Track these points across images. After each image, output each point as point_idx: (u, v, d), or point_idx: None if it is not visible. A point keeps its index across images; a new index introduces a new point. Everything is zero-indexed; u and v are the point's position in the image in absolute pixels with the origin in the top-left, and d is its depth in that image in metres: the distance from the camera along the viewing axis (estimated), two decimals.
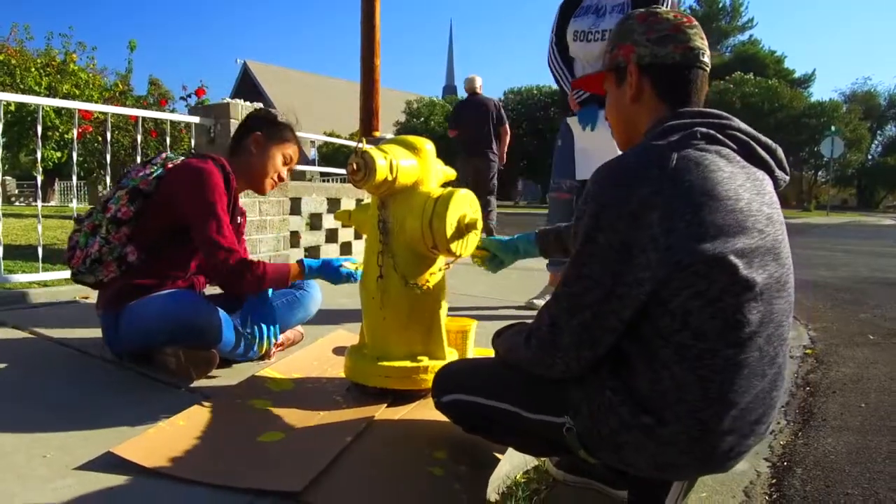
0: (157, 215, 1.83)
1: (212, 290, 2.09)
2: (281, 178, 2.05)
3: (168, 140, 4.05)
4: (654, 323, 0.99)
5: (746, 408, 1.00)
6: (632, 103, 1.16)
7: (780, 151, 1.12)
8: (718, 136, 1.05)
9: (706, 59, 1.14)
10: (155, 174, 1.85)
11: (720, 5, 41.37)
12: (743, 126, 1.09)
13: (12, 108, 10.26)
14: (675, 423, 0.99)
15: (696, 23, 1.15)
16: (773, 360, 1.03)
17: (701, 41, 1.13)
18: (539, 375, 1.14)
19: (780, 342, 1.04)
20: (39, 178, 3.40)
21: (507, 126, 6.48)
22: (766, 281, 1.00)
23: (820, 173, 32.55)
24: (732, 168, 1.03)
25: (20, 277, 2.98)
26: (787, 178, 1.14)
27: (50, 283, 2.98)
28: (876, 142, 39.55)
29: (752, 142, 1.09)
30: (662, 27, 1.12)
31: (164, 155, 1.95)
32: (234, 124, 3.57)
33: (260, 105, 3.67)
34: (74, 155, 3.50)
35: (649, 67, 1.13)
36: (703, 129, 1.04)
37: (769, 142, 1.11)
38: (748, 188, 1.03)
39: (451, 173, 1.79)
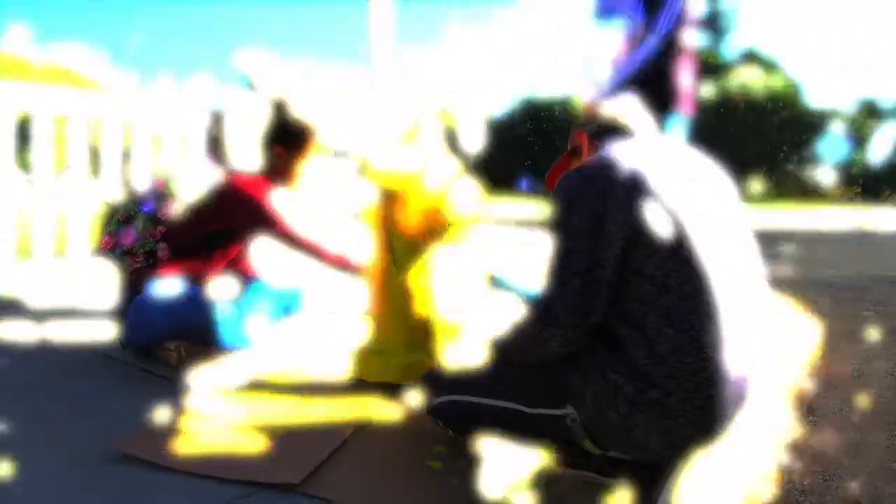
0: (195, 222, 1.87)
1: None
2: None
3: None
4: (636, 292, 1.07)
5: (734, 367, 1.06)
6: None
7: None
8: None
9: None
10: None
11: (723, 5, 41.29)
12: None
13: None
14: (679, 391, 1.03)
15: None
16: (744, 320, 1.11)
17: None
18: (537, 364, 1.16)
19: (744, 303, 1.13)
20: None
21: None
22: (718, 243, 1.12)
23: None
24: None
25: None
26: None
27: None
28: None
29: None
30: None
31: None
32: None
33: None
34: None
35: (597, 134, 1.39)
36: None
37: None
38: None
39: (450, 167, 1.79)
